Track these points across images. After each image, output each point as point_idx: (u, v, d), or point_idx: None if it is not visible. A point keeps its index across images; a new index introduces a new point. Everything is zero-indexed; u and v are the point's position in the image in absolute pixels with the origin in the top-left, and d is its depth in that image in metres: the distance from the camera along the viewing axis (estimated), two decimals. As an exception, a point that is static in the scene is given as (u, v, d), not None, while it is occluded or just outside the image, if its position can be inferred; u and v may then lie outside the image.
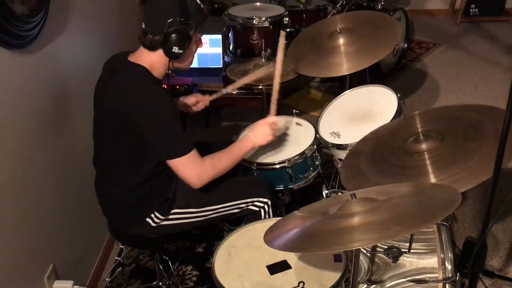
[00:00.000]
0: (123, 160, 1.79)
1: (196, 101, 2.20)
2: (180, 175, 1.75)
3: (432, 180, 1.49)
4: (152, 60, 1.74)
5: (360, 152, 1.78)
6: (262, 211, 1.94)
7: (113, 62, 1.83)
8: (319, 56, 2.31)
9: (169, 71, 1.79)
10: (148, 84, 1.71)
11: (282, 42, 2.01)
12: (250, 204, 1.93)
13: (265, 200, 1.94)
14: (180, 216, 1.88)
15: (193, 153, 1.72)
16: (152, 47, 1.72)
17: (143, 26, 1.72)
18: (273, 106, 2.02)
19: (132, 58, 1.76)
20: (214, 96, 2.23)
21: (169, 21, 1.65)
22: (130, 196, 1.82)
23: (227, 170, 1.84)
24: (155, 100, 1.68)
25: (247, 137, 1.96)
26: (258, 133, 1.95)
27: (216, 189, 1.90)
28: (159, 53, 1.72)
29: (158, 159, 1.75)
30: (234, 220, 2.10)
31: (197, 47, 1.84)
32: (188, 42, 1.73)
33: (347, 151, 1.97)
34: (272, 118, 1.98)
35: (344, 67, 2.20)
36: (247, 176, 2.12)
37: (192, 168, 1.73)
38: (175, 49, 1.70)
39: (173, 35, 1.67)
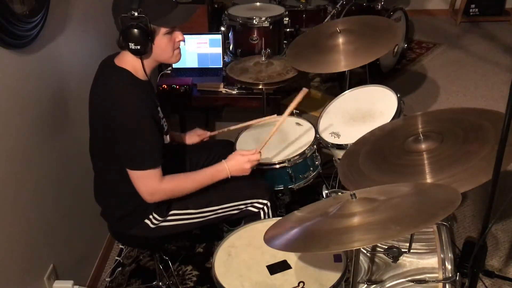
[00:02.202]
0: (115, 167, 1.75)
1: (200, 140, 2.22)
2: (135, 187, 1.71)
3: (429, 180, 1.49)
4: (131, 60, 1.70)
5: (359, 151, 1.78)
6: (262, 212, 1.93)
7: (104, 63, 1.80)
8: (318, 53, 2.31)
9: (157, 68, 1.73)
10: (126, 91, 1.66)
11: (300, 96, 1.91)
12: (249, 205, 1.92)
13: (265, 201, 1.93)
14: (179, 217, 1.87)
15: (155, 171, 1.69)
16: (121, 47, 1.68)
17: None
18: (263, 144, 1.94)
19: (117, 60, 1.73)
20: (215, 133, 2.27)
21: (119, 18, 1.60)
22: (126, 203, 1.81)
23: (186, 194, 1.81)
24: (130, 108, 1.64)
25: (223, 167, 1.85)
26: (236, 166, 1.86)
27: (215, 190, 1.89)
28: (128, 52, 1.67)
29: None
30: (233, 221, 2.10)
31: (173, 40, 1.71)
32: (149, 36, 1.63)
33: (347, 151, 1.97)
34: (256, 156, 1.89)
35: (342, 64, 2.20)
36: (246, 177, 2.11)
37: (148, 185, 1.70)
38: (132, 46, 1.61)
39: (127, 31, 1.59)
